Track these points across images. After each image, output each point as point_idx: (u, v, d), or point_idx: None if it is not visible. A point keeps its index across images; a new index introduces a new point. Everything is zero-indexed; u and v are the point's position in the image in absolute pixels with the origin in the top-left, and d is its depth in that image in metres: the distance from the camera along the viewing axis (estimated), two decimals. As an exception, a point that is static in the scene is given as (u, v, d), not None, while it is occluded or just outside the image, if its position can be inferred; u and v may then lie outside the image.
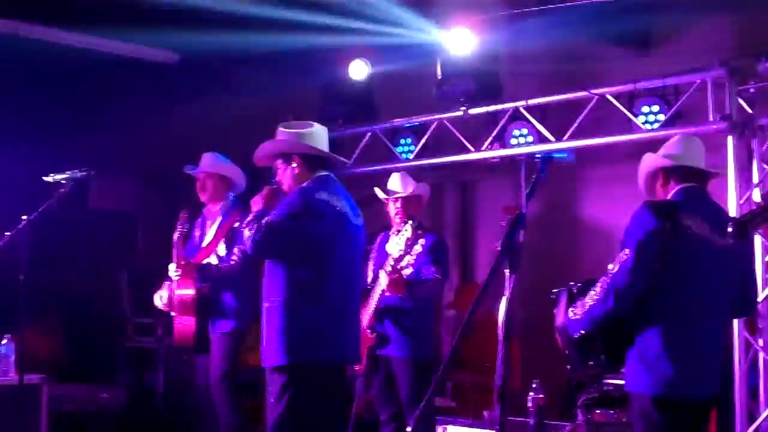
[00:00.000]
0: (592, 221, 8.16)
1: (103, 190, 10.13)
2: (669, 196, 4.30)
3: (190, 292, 6.09)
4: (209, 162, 6.49)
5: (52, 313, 9.46)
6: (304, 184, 4.98)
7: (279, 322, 4.86)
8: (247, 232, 4.86)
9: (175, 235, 6.30)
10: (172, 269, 6.18)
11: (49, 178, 5.69)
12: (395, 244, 5.71)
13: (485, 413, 6.61)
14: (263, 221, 4.83)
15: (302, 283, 4.87)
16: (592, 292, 4.13)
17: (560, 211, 8.41)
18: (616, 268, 4.07)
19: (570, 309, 4.23)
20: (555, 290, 4.42)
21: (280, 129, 5.16)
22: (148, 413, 8.81)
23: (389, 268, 5.79)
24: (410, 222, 5.67)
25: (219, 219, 6.29)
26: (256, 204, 5.05)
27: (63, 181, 5.56)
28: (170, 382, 8.87)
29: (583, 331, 4.16)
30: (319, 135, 5.16)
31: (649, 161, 4.41)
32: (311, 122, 5.23)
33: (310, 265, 4.88)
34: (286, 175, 5.05)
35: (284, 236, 4.85)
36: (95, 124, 10.83)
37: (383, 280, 5.83)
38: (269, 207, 4.97)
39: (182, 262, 6.13)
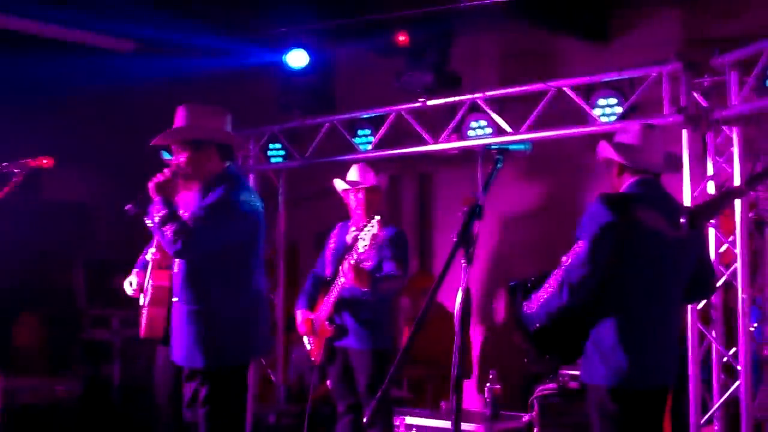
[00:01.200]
0: (548, 212, 8.21)
1: (57, 179, 10.03)
2: (624, 187, 4.33)
3: (167, 284, 6.00)
4: None
5: (7, 305, 9.37)
6: (219, 180, 4.91)
7: (200, 326, 4.86)
8: (167, 233, 4.67)
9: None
10: (151, 253, 6.07)
11: (1, 167, 5.60)
12: (361, 240, 5.60)
13: (442, 404, 6.64)
14: (185, 221, 4.71)
15: (225, 284, 4.88)
16: (546, 286, 4.14)
17: (515, 202, 8.45)
18: (570, 261, 4.08)
19: (525, 303, 4.24)
20: (511, 283, 4.41)
21: (190, 111, 5.05)
22: (104, 405, 8.76)
23: (352, 262, 5.75)
24: (377, 218, 5.58)
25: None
26: (155, 191, 4.82)
27: (16, 170, 5.46)
28: (126, 375, 8.82)
29: (538, 325, 4.16)
30: (230, 122, 5.12)
31: (605, 151, 4.43)
32: (220, 107, 5.14)
33: (234, 266, 4.91)
34: (194, 162, 4.93)
35: (210, 240, 4.77)
36: (50, 112, 10.73)
37: (347, 275, 5.78)
38: (168, 194, 4.81)
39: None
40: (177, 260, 4.99)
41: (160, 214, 4.73)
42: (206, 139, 4.97)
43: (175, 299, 5.06)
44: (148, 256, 6.05)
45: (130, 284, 6.20)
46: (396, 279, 6.00)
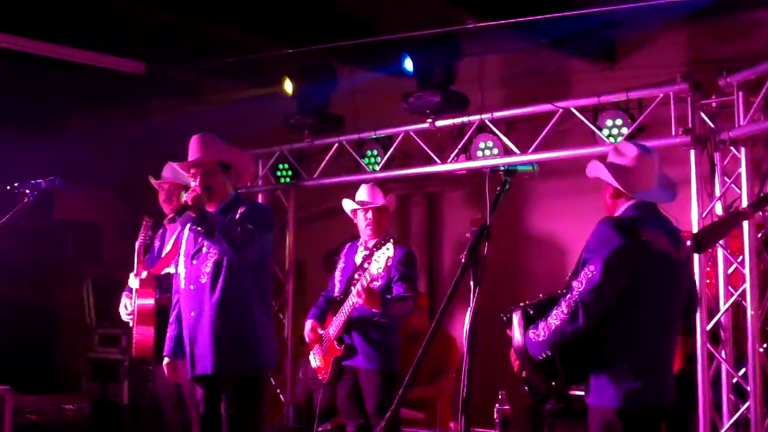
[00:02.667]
0: (554, 235, 8.21)
1: (68, 199, 10.07)
2: (621, 211, 4.29)
3: (150, 302, 6.06)
4: (173, 172, 6.41)
5: (16, 323, 9.39)
6: (236, 202, 5.23)
7: (235, 332, 5.08)
8: (235, 229, 4.90)
9: (138, 242, 6.28)
10: (132, 278, 6.18)
11: (12, 188, 5.64)
12: (375, 262, 5.59)
13: (452, 425, 6.64)
14: (247, 226, 4.95)
15: (257, 292, 5.18)
16: (557, 312, 4.10)
17: (522, 223, 8.46)
18: (583, 286, 4.05)
19: (530, 331, 4.18)
20: (506, 312, 4.32)
21: (214, 139, 5.30)
22: (112, 424, 8.76)
23: (360, 287, 5.77)
24: (392, 240, 5.59)
25: (178, 229, 6.21)
26: (194, 198, 4.99)
27: (27, 190, 5.50)
28: (135, 394, 8.82)
29: (548, 353, 4.13)
30: None
31: (597, 171, 4.38)
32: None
33: (263, 275, 5.24)
34: (218, 183, 5.19)
35: (261, 243, 5.04)
36: (61, 133, 10.78)
37: (358, 294, 5.80)
38: (199, 206, 4.96)
39: (142, 271, 6.12)
40: (204, 273, 5.11)
41: (215, 219, 4.94)
42: (234, 164, 5.29)
43: (193, 314, 5.15)
44: (131, 283, 6.13)
45: (125, 307, 6.27)
46: (406, 301, 6.02)
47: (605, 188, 4.36)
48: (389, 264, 5.60)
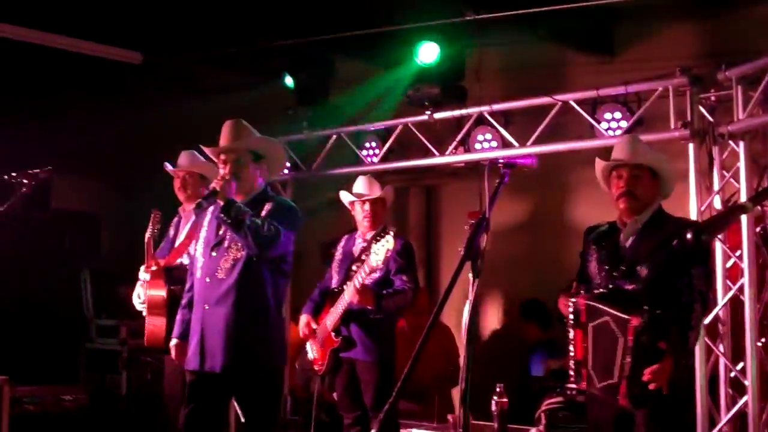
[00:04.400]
0: (554, 225, 8.21)
1: (66, 189, 10.07)
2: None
3: (161, 293, 6.03)
4: (189, 160, 6.34)
5: (14, 314, 9.39)
6: (265, 195, 5.11)
7: (253, 328, 4.99)
8: (259, 229, 4.80)
9: (147, 235, 6.23)
10: (142, 271, 6.13)
11: (10, 178, 5.64)
12: (374, 254, 5.57)
13: (449, 417, 6.64)
14: (274, 224, 4.87)
15: (275, 290, 5.08)
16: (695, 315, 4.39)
17: (521, 215, 8.46)
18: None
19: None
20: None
21: (247, 126, 5.18)
22: (111, 415, 8.76)
23: (358, 282, 5.78)
24: (392, 232, 5.57)
25: (192, 218, 6.12)
26: (224, 186, 4.89)
27: (25, 180, 5.49)
28: (133, 385, 8.83)
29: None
30: None
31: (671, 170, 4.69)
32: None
33: (285, 274, 5.17)
34: (248, 173, 5.05)
35: (287, 239, 4.99)
36: (58, 123, 10.75)
37: (352, 294, 5.82)
38: (227, 195, 4.87)
39: (152, 264, 6.08)
40: (222, 267, 5.03)
41: (244, 211, 4.83)
42: (267, 154, 5.16)
43: (207, 307, 5.06)
44: (142, 274, 6.10)
45: (138, 297, 6.24)
46: (404, 294, 6.01)
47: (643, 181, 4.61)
48: (388, 256, 5.60)
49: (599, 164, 4.75)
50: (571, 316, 4.54)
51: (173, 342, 5.33)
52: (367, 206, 6.23)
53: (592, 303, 4.47)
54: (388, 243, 5.50)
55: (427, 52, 7.53)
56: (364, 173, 6.85)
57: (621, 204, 4.63)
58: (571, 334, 4.56)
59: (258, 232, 4.78)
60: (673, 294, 4.40)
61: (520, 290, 8.26)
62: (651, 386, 4.25)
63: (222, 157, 5.09)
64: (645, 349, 4.28)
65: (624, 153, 4.67)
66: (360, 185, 6.35)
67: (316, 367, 6.28)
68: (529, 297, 8.04)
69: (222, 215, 4.83)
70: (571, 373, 4.59)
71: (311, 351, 6.30)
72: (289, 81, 7.98)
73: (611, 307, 4.41)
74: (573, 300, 4.54)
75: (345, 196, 6.37)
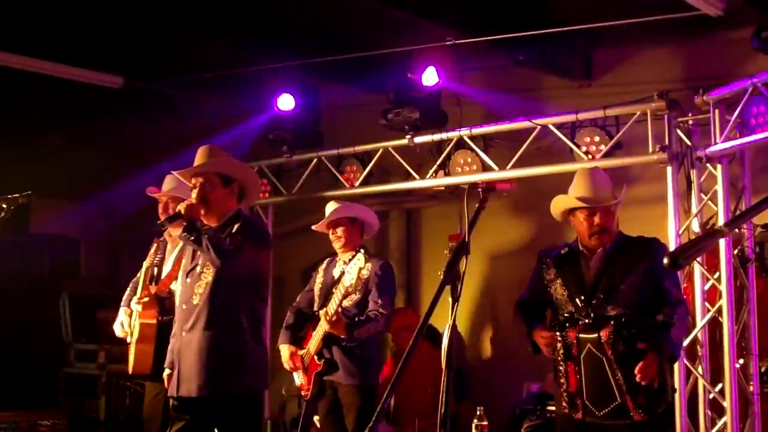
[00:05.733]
0: (534, 249, 8.22)
1: (45, 213, 10.02)
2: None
3: (152, 321, 6.03)
4: (173, 184, 6.35)
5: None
6: (235, 218, 5.09)
7: (228, 353, 4.97)
8: (225, 239, 4.83)
9: (146, 264, 6.22)
10: (135, 302, 6.11)
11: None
12: (347, 274, 5.61)
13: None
14: (237, 237, 4.88)
15: (250, 313, 5.06)
16: (679, 315, 4.57)
17: (503, 240, 8.48)
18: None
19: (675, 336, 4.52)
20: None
21: (219, 150, 5.20)
22: (89, 440, 8.71)
23: (331, 310, 5.80)
24: (362, 251, 5.62)
25: (180, 244, 6.14)
26: (188, 212, 4.94)
27: (3, 205, 5.47)
28: (112, 409, 8.77)
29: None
30: None
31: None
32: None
33: (256, 297, 5.14)
34: (217, 195, 5.08)
35: (252, 263, 4.98)
36: (38, 146, 10.72)
37: (324, 324, 5.85)
38: (191, 216, 4.92)
39: (146, 294, 6.06)
40: (196, 293, 5.04)
41: (206, 229, 4.90)
42: (237, 178, 5.16)
43: (184, 333, 5.08)
44: (134, 303, 6.08)
45: (122, 325, 6.22)
46: (376, 322, 5.98)
47: (614, 213, 4.81)
48: (363, 275, 5.64)
49: (566, 203, 4.84)
50: (562, 350, 4.60)
51: (166, 372, 5.32)
52: (338, 231, 6.23)
53: (581, 335, 4.54)
54: (359, 261, 5.54)
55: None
56: (344, 197, 6.86)
57: (595, 239, 4.74)
58: (562, 368, 4.61)
59: (218, 245, 4.83)
60: (655, 310, 4.55)
61: (503, 312, 8.27)
62: (643, 382, 4.38)
63: (192, 181, 5.13)
64: (629, 357, 4.39)
65: (595, 192, 4.79)
66: (328, 212, 6.35)
67: (302, 393, 6.25)
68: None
69: (185, 233, 4.90)
70: (564, 404, 4.62)
71: (298, 377, 6.27)
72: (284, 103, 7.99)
73: (590, 333, 4.51)
74: (562, 334, 4.58)
75: (319, 227, 6.39)
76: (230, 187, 5.13)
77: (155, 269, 6.31)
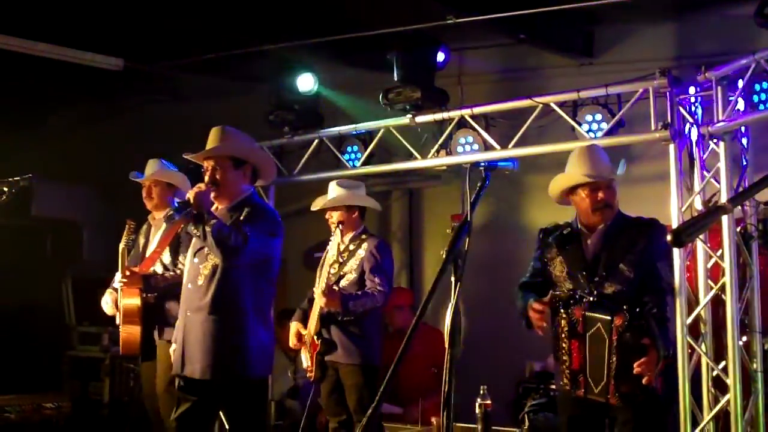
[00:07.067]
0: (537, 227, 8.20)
1: (47, 196, 10.02)
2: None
3: (136, 301, 6.04)
4: (155, 169, 6.42)
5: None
6: (247, 201, 5.12)
7: (233, 337, 4.98)
8: (225, 238, 4.79)
9: (121, 245, 6.24)
10: (117, 279, 6.14)
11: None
12: (327, 251, 5.85)
13: (433, 419, 6.63)
14: (244, 230, 4.85)
15: (258, 297, 5.07)
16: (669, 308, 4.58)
17: (504, 218, 8.47)
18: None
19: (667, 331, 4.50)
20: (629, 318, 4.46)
21: (231, 132, 5.19)
22: (93, 423, 8.72)
23: (323, 286, 5.82)
24: (339, 228, 5.90)
25: (163, 227, 6.19)
26: (196, 196, 4.93)
27: (4, 188, 5.47)
28: (116, 392, 8.79)
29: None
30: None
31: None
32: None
33: (265, 281, 5.14)
34: (229, 179, 5.08)
35: (260, 247, 4.95)
36: (39, 130, 10.72)
37: (319, 299, 5.88)
38: (201, 205, 4.92)
39: (127, 273, 6.08)
40: (202, 273, 5.04)
41: (213, 222, 4.84)
42: (248, 160, 5.16)
43: (189, 313, 5.09)
44: (116, 283, 6.11)
45: (106, 303, 6.26)
46: (372, 296, 6.00)
47: (615, 190, 4.81)
48: (360, 255, 5.88)
49: (570, 180, 4.82)
50: (566, 328, 4.59)
51: (172, 347, 5.34)
52: (333, 218, 6.27)
53: (588, 314, 4.54)
54: (335, 237, 5.92)
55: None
56: (346, 177, 6.84)
57: (599, 215, 4.74)
58: (566, 345, 4.60)
59: (223, 242, 4.80)
60: (647, 291, 4.56)
61: (500, 291, 8.26)
62: (644, 380, 4.36)
63: (204, 164, 5.13)
64: (630, 347, 4.39)
65: (598, 168, 4.80)
66: (330, 190, 6.38)
67: (308, 374, 6.28)
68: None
69: (192, 228, 4.89)
70: (566, 381, 4.62)
71: (304, 359, 6.29)
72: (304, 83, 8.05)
73: (601, 313, 4.50)
74: (568, 311, 4.58)
75: (315, 205, 6.42)
76: (242, 169, 5.13)
77: (140, 251, 6.35)
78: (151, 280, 6.09)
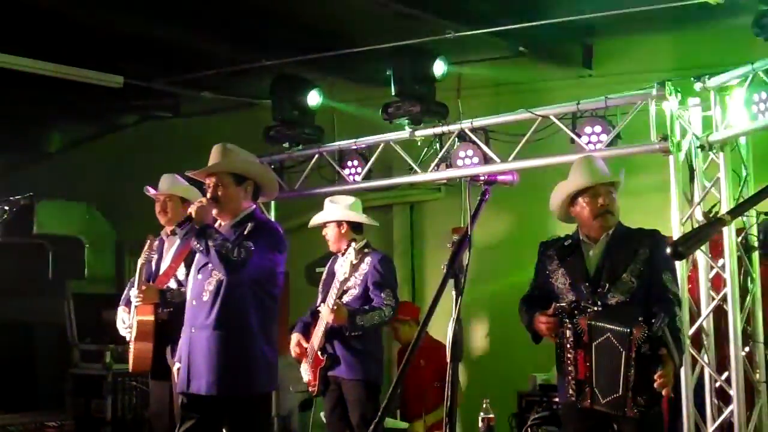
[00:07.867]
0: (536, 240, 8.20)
1: (48, 214, 10.02)
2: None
3: (150, 318, 6.01)
4: (169, 183, 6.35)
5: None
6: (250, 217, 5.12)
7: (236, 353, 4.97)
8: (226, 253, 4.80)
9: (140, 261, 6.22)
10: (134, 295, 6.10)
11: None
12: (339, 268, 5.76)
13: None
14: (247, 245, 4.86)
15: (261, 312, 5.05)
16: (679, 318, 4.54)
17: (504, 231, 8.47)
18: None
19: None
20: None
21: (233, 149, 5.20)
22: (96, 441, 8.71)
23: (331, 302, 5.83)
24: (353, 245, 5.73)
25: (177, 242, 6.15)
26: (197, 211, 4.96)
27: (6, 207, 5.47)
28: (119, 410, 8.77)
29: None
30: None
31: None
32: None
33: (267, 296, 5.11)
34: (231, 195, 5.09)
35: (261, 263, 4.95)
36: (40, 147, 10.74)
37: (326, 315, 5.87)
38: (203, 219, 4.95)
39: (143, 288, 6.05)
40: (207, 290, 5.03)
41: (215, 236, 4.87)
42: (250, 176, 5.17)
43: (194, 330, 5.08)
44: (134, 300, 6.07)
45: (123, 322, 6.22)
46: (380, 310, 6.00)
47: (614, 199, 4.77)
48: (362, 270, 5.82)
49: (570, 186, 4.81)
50: (571, 338, 4.57)
51: (176, 366, 5.32)
52: (328, 232, 6.29)
53: (594, 323, 4.51)
54: (350, 255, 5.68)
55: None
56: (346, 192, 6.84)
57: (600, 222, 4.71)
58: (571, 355, 4.58)
59: (227, 257, 4.81)
60: (653, 301, 4.52)
61: (503, 304, 8.26)
62: (664, 392, 4.35)
63: (207, 180, 5.14)
64: (648, 359, 4.36)
65: (597, 174, 4.78)
66: (326, 206, 6.40)
67: (310, 389, 6.26)
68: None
69: (194, 240, 4.91)
70: (571, 392, 4.59)
71: (305, 374, 6.28)
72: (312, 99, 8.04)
73: (610, 323, 4.46)
74: (573, 321, 4.56)
75: (313, 222, 6.44)
76: (243, 186, 5.14)
77: (153, 267, 6.31)
78: (167, 295, 6.06)
